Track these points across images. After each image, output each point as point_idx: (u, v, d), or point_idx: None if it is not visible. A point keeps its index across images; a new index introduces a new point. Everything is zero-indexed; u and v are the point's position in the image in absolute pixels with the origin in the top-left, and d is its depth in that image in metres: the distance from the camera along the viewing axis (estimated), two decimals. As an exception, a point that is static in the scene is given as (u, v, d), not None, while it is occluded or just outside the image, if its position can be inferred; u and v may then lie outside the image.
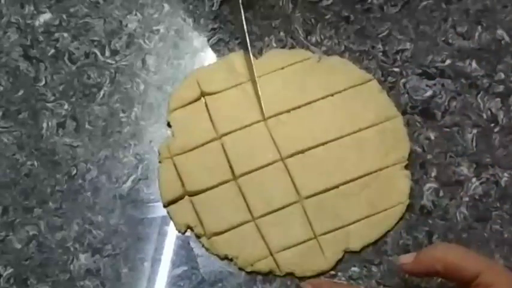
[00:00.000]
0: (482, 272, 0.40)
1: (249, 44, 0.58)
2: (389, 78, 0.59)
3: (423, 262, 0.42)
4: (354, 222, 0.54)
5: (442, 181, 0.56)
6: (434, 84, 0.59)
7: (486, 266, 0.40)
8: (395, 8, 0.61)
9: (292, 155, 0.56)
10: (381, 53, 0.60)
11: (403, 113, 0.58)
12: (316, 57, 0.59)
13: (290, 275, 0.53)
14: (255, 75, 0.58)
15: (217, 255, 0.54)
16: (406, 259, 0.44)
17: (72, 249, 0.55)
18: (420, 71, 0.59)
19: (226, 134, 0.57)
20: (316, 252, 0.54)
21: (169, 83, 0.59)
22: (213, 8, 0.62)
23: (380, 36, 0.60)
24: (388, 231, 0.54)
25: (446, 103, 0.58)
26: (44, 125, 0.58)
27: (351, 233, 0.54)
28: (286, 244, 0.54)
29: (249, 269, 0.53)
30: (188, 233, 0.55)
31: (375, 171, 0.55)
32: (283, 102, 0.57)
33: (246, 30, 0.58)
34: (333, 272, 0.53)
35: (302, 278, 0.53)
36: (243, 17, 0.57)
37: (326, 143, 0.56)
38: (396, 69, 0.59)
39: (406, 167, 0.56)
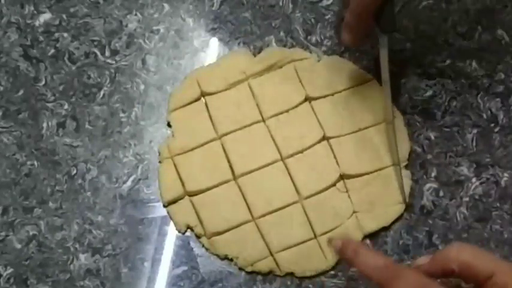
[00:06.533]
0: (496, 272, 0.40)
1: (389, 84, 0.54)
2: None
3: (438, 262, 0.42)
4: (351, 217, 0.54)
5: (442, 181, 0.56)
6: (435, 84, 0.59)
7: (499, 266, 0.41)
8: (395, 8, 0.61)
9: (292, 155, 0.56)
10: (381, 53, 0.60)
11: (403, 113, 0.58)
12: (315, 56, 0.59)
13: (290, 275, 0.53)
14: (252, 74, 0.58)
15: (217, 255, 0.54)
16: (422, 260, 0.44)
17: (72, 249, 0.55)
18: (420, 71, 0.59)
19: (226, 134, 0.57)
20: (316, 252, 0.54)
21: (169, 83, 0.59)
22: (213, 8, 0.62)
23: (380, 36, 0.60)
24: (388, 231, 0.54)
25: (446, 103, 0.58)
26: (44, 125, 0.58)
27: (349, 228, 0.54)
28: (286, 244, 0.54)
29: (249, 269, 0.53)
30: (188, 233, 0.55)
31: (375, 171, 0.55)
32: (283, 102, 0.57)
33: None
34: (332, 272, 0.53)
35: (302, 278, 0.53)
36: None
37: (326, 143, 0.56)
38: (396, 69, 0.59)
39: (406, 167, 0.56)
